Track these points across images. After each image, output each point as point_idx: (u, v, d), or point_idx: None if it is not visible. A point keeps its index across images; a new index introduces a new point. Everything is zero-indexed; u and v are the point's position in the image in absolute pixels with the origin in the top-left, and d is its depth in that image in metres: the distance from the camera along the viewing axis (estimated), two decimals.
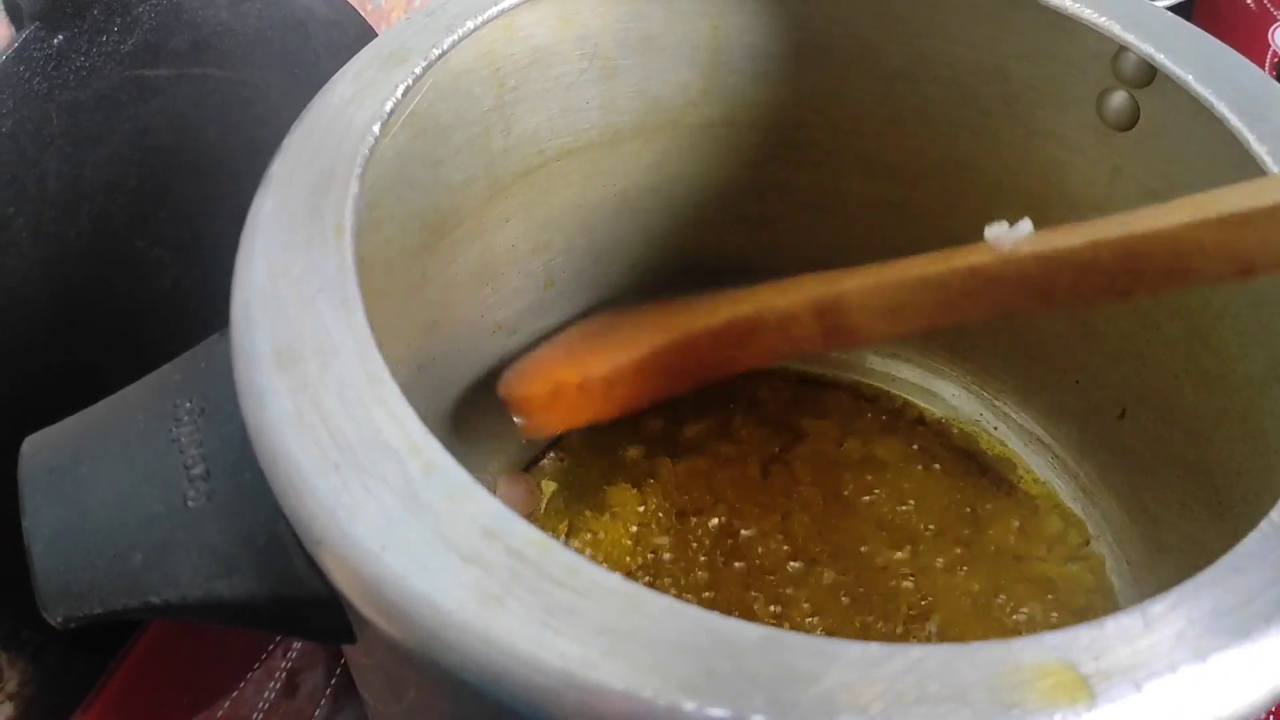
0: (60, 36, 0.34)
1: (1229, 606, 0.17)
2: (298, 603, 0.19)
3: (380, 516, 0.18)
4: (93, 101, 0.35)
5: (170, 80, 0.38)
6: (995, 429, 0.38)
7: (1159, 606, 0.17)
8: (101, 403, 0.22)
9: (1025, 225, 0.24)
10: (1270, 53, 0.59)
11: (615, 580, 0.17)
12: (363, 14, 0.54)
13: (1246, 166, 0.25)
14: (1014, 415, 0.38)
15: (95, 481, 0.20)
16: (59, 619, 0.19)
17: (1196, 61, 0.26)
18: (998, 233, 0.24)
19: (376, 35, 0.46)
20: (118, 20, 0.36)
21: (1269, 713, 0.17)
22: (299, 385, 0.19)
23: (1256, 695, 0.16)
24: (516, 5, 0.28)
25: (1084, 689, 0.16)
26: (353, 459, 0.19)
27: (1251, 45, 0.59)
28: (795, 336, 0.28)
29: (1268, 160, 0.24)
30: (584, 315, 0.39)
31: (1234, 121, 0.25)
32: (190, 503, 0.20)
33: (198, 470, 0.20)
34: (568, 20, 0.31)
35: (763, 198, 0.37)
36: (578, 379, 0.30)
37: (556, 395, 0.30)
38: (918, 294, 0.25)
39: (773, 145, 0.36)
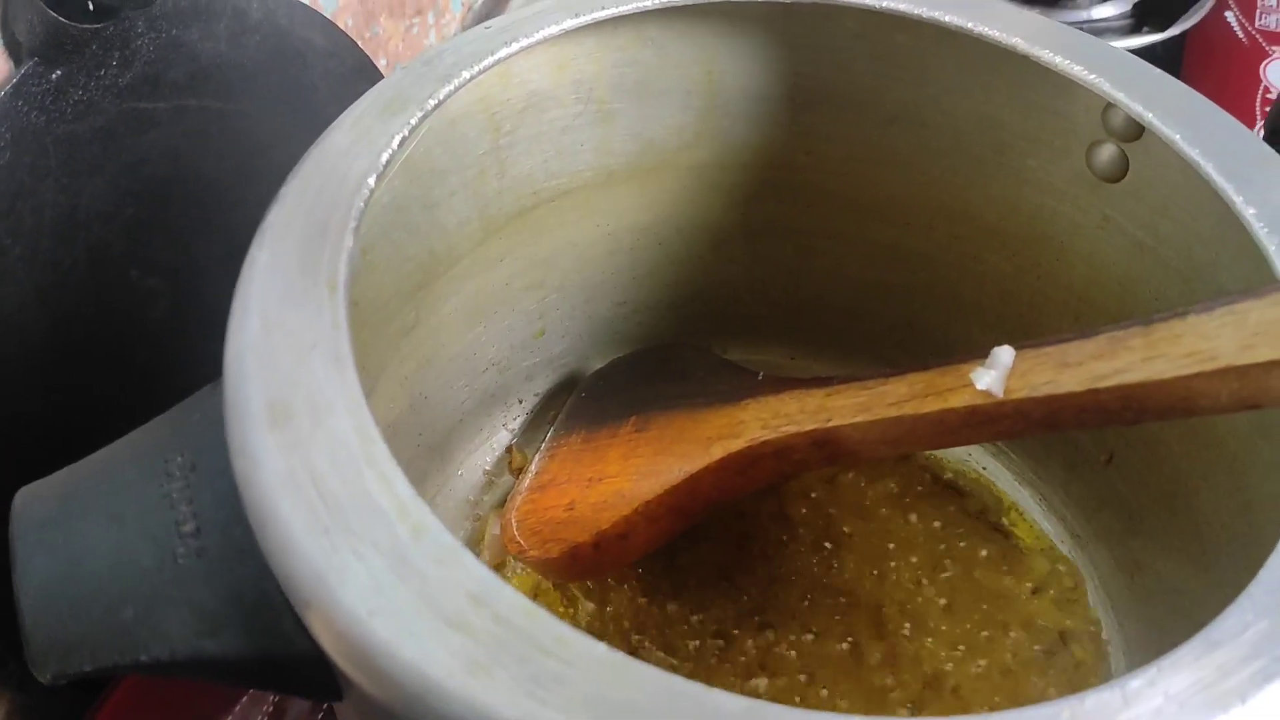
0: (59, 71, 0.34)
1: (1206, 682, 0.17)
2: (286, 661, 0.20)
3: (369, 581, 0.18)
4: (90, 134, 0.35)
5: (168, 112, 0.38)
6: (984, 469, 0.38)
7: (1137, 682, 0.17)
8: (93, 455, 0.22)
9: (1005, 356, 0.24)
10: (1262, 88, 0.60)
11: (602, 650, 0.17)
12: (360, 42, 0.55)
13: (1231, 225, 0.25)
14: (1004, 457, 0.38)
15: (86, 536, 0.20)
16: (48, 676, 0.19)
17: (1184, 120, 0.26)
18: (988, 381, 0.24)
19: (373, 64, 0.46)
20: (116, 54, 0.36)
21: None
22: (291, 444, 0.20)
23: None
24: (513, 53, 0.28)
25: None
26: (343, 521, 0.19)
27: (1243, 80, 0.60)
28: (795, 461, 0.29)
29: (1253, 221, 0.24)
30: (575, 353, 0.39)
31: (1220, 182, 0.25)
32: (180, 559, 0.20)
33: (188, 527, 0.20)
34: (563, 66, 0.31)
35: (755, 238, 0.37)
36: (592, 539, 0.31)
37: (574, 557, 0.31)
38: (916, 428, 0.26)
39: (765, 186, 0.36)
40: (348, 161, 0.24)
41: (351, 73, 0.46)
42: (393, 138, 0.25)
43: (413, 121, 0.26)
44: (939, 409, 0.25)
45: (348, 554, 0.18)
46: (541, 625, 0.18)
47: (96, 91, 0.35)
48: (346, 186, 0.24)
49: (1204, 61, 0.61)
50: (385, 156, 0.25)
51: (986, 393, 0.24)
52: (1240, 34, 0.61)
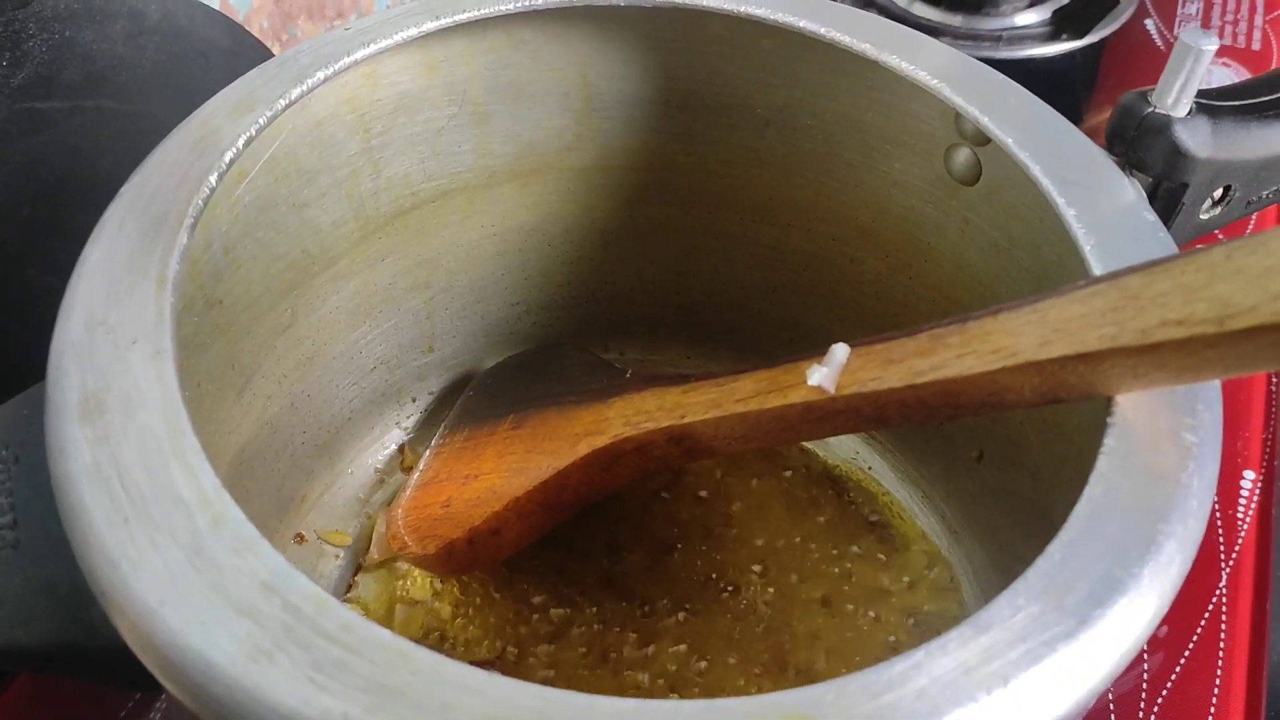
0: None
1: (970, 664, 0.18)
2: (98, 652, 0.20)
3: (163, 570, 0.18)
4: None
5: (63, 112, 0.39)
6: (870, 468, 0.39)
7: (903, 664, 0.18)
8: None
9: (839, 354, 0.25)
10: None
11: (387, 637, 0.18)
12: (278, 45, 0.55)
13: (1063, 228, 0.26)
14: (889, 455, 0.39)
15: None
16: None
17: (1019, 125, 0.27)
18: (819, 378, 0.25)
19: None
20: (7, 54, 0.36)
21: None
22: (101, 437, 0.20)
23: None
24: (373, 54, 0.29)
25: None
26: (144, 512, 0.19)
27: None
28: (655, 457, 0.30)
29: (1073, 222, 0.25)
30: (469, 353, 0.39)
31: (1046, 185, 0.25)
32: None
33: (4, 519, 0.20)
34: (433, 67, 0.31)
35: (643, 238, 0.38)
36: (466, 535, 0.31)
37: (450, 553, 0.32)
38: (760, 423, 0.26)
39: (649, 188, 0.37)
40: (190, 160, 0.25)
41: None
42: (239, 136, 0.25)
43: (261, 121, 0.26)
44: (779, 405, 0.26)
45: (145, 544, 0.19)
46: (329, 613, 0.18)
47: None
48: (186, 184, 0.24)
49: (1122, 69, 0.62)
50: (229, 155, 0.25)
51: (819, 388, 0.25)
52: (1159, 41, 0.62)
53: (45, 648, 0.20)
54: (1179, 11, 0.64)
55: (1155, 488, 0.20)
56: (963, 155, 0.30)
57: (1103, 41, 0.58)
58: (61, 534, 0.20)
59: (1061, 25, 0.60)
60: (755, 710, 0.17)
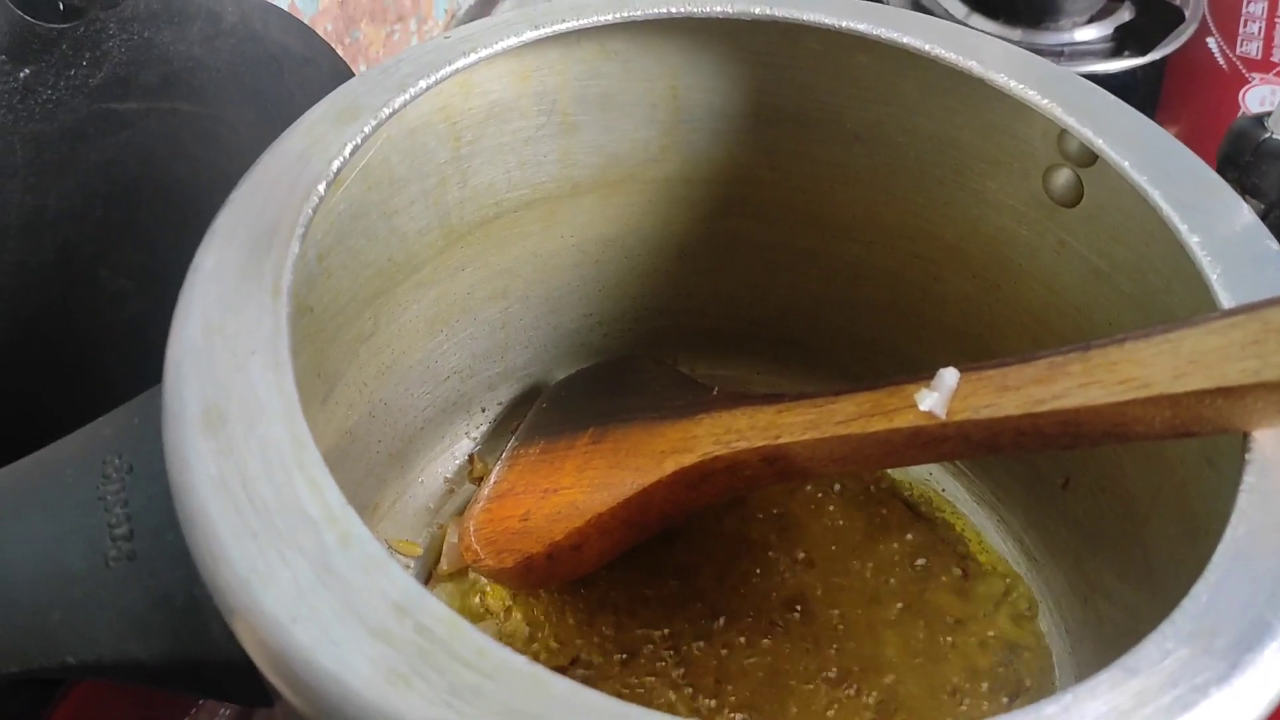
0: (27, 70, 0.34)
1: (1123, 709, 0.17)
2: (213, 667, 0.20)
3: (293, 587, 0.18)
4: (59, 133, 0.35)
5: (139, 114, 0.38)
6: (944, 490, 0.38)
7: (1053, 708, 0.17)
8: (33, 455, 0.22)
9: (949, 378, 0.24)
10: (1240, 115, 0.60)
11: (521, 662, 0.18)
12: (340, 48, 0.55)
13: (1181, 255, 0.25)
14: (964, 478, 0.38)
15: (18, 536, 0.20)
16: None
17: (1134, 147, 0.26)
18: (930, 403, 0.24)
19: (351, 70, 0.46)
20: (86, 55, 0.36)
21: None
22: (224, 449, 0.20)
23: None
24: (472, 63, 0.28)
25: None
26: (271, 526, 0.19)
27: (1223, 106, 0.60)
28: (746, 477, 0.29)
29: (1197, 250, 0.24)
30: (539, 364, 0.39)
31: (1167, 210, 0.25)
32: (112, 562, 0.20)
33: (121, 530, 0.20)
34: (525, 77, 0.31)
35: (719, 252, 0.37)
36: (546, 549, 0.31)
37: (528, 567, 0.31)
38: (862, 447, 0.26)
39: (730, 201, 0.36)
40: (298, 168, 0.25)
41: (328, 78, 0.46)
42: (345, 145, 0.25)
43: (366, 130, 0.26)
44: (885, 429, 0.26)
45: (274, 559, 0.18)
46: (462, 637, 0.18)
47: (66, 91, 0.35)
48: (296, 193, 0.24)
49: (1184, 87, 0.61)
50: (336, 164, 0.25)
51: (929, 414, 0.24)
52: (1221, 60, 0.61)
53: (162, 661, 0.19)
54: (1240, 30, 0.63)
55: None
56: (1064, 176, 0.30)
57: (1164, 59, 0.57)
58: (178, 547, 0.19)
59: (1123, 42, 0.59)
60: None
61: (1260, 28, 0.63)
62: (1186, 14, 0.59)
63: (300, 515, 0.19)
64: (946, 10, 0.59)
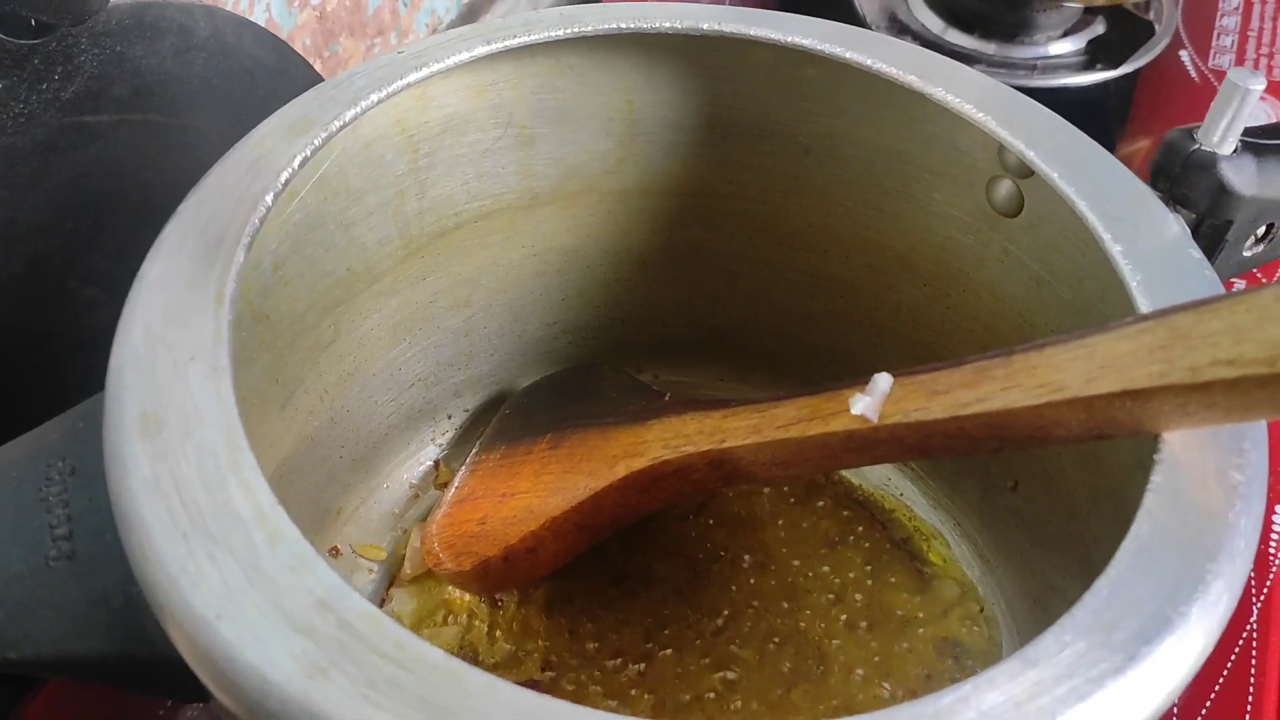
0: None
1: (1019, 699, 0.18)
2: (150, 663, 0.20)
3: (220, 585, 0.19)
4: (30, 147, 0.36)
5: (111, 126, 0.39)
6: (901, 495, 0.39)
7: (950, 697, 0.18)
8: None
9: (883, 383, 0.25)
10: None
11: (439, 656, 0.18)
12: (319, 62, 0.56)
13: (1107, 262, 0.26)
14: (921, 482, 0.39)
15: None
16: None
17: (1067, 160, 0.27)
18: (862, 407, 0.25)
19: None
20: (59, 69, 0.37)
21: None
22: (160, 453, 0.20)
23: None
24: (425, 77, 0.29)
25: None
26: (202, 527, 0.19)
27: (1195, 119, 0.60)
28: (694, 481, 0.30)
29: (1119, 259, 0.25)
30: (505, 372, 0.40)
31: (1092, 220, 0.26)
32: (52, 562, 0.20)
33: (61, 530, 0.21)
34: (481, 91, 0.32)
35: (680, 262, 0.38)
36: (502, 552, 0.32)
37: (485, 570, 0.32)
38: (802, 450, 0.27)
39: (689, 213, 0.37)
40: (247, 180, 0.25)
41: (301, 90, 0.47)
42: (294, 157, 0.26)
43: (316, 143, 0.26)
44: (821, 432, 0.26)
45: (203, 558, 0.19)
46: (382, 631, 0.18)
47: (38, 105, 0.36)
48: (244, 204, 0.25)
49: (1157, 100, 0.62)
50: (285, 175, 0.25)
51: (862, 418, 0.25)
52: (1193, 73, 0.62)
53: (99, 658, 0.20)
54: (1213, 44, 0.64)
55: (1203, 526, 0.20)
56: (1005, 187, 0.30)
57: (1136, 72, 0.58)
58: (117, 546, 0.20)
59: (1096, 55, 0.60)
60: None
61: (1233, 40, 0.64)
62: (1158, 28, 0.60)
63: (231, 516, 0.19)
64: (924, 25, 0.59)
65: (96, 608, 0.20)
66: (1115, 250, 0.25)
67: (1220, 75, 0.62)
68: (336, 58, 0.56)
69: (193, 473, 0.20)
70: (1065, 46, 0.60)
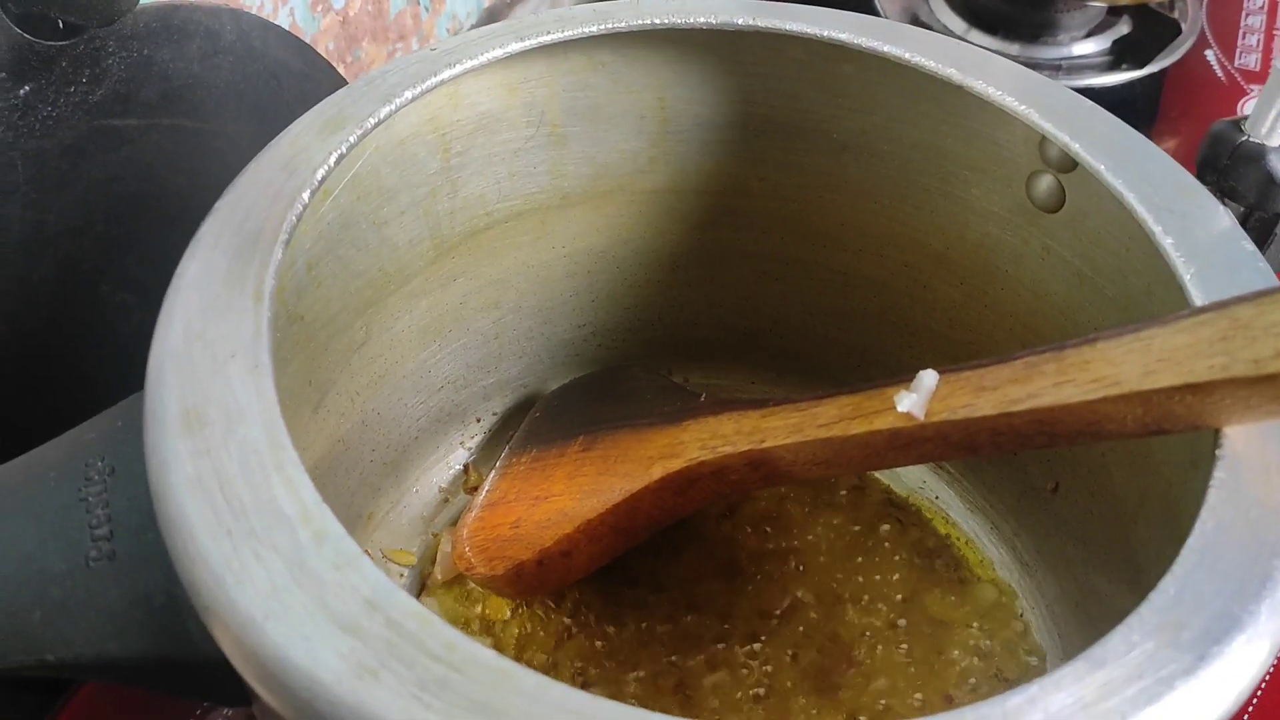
0: (27, 87, 0.34)
1: (1087, 701, 0.17)
2: (191, 665, 0.20)
3: (267, 584, 0.18)
4: (59, 150, 0.36)
5: (139, 130, 0.39)
6: (937, 498, 0.38)
7: (1018, 699, 0.17)
8: (18, 459, 0.23)
9: (928, 380, 0.25)
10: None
11: (490, 656, 0.18)
12: (342, 67, 0.56)
13: (1156, 256, 0.25)
14: (957, 485, 0.38)
15: (1, 538, 0.21)
16: None
17: (1112, 152, 0.27)
18: (909, 404, 0.24)
19: None
20: (86, 72, 0.37)
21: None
22: (202, 450, 0.20)
23: None
24: (458, 74, 0.29)
25: None
26: (246, 525, 0.19)
27: (1220, 117, 0.60)
28: (732, 481, 0.29)
29: (1171, 252, 0.24)
30: (533, 374, 0.39)
31: (1142, 213, 0.25)
32: (92, 562, 0.20)
33: (102, 530, 0.20)
34: (514, 89, 0.31)
35: (711, 262, 0.38)
36: (536, 556, 0.31)
37: (519, 574, 0.32)
38: (844, 449, 0.26)
39: (721, 212, 0.36)
40: (283, 177, 0.25)
41: (327, 94, 0.46)
42: (330, 154, 0.26)
43: (351, 140, 0.26)
44: (865, 431, 0.26)
45: (249, 557, 0.19)
46: (432, 631, 0.18)
47: (66, 108, 0.36)
48: (280, 201, 0.24)
49: (1183, 99, 0.61)
50: (321, 173, 0.25)
51: (908, 415, 0.25)
52: (1219, 72, 0.61)
53: (139, 660, 0.20)
54: (1239, 43, 0.63)
55: (1268, 522, 0.20)
56: (1046, 182, 0.30)
57: (1163, 72, 0.58)
58: (158, 546, 0.20)
59: (1121, 55, 0.59)
60: None
61: (1259, 40, 0.63)
62: (1184, 27, 0.59)
63: (276, 514, 0.19)
64: (946, 26, 0.59)
65: (137, 608, 0.20)
66: (1166, 243, 0.24)
67: (1246, 74, 0.62)
68: (359, 63, 0.56)
69: (235, 470, 0.20)
70: (1090, 47, 0.60)
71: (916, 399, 0.25)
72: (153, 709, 0.36)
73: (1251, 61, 0.62)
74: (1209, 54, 0.62)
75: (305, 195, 0.25)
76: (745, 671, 0.33)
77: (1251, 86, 0.61)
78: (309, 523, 0.19)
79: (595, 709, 0.17)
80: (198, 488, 0.19)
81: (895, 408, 0.25)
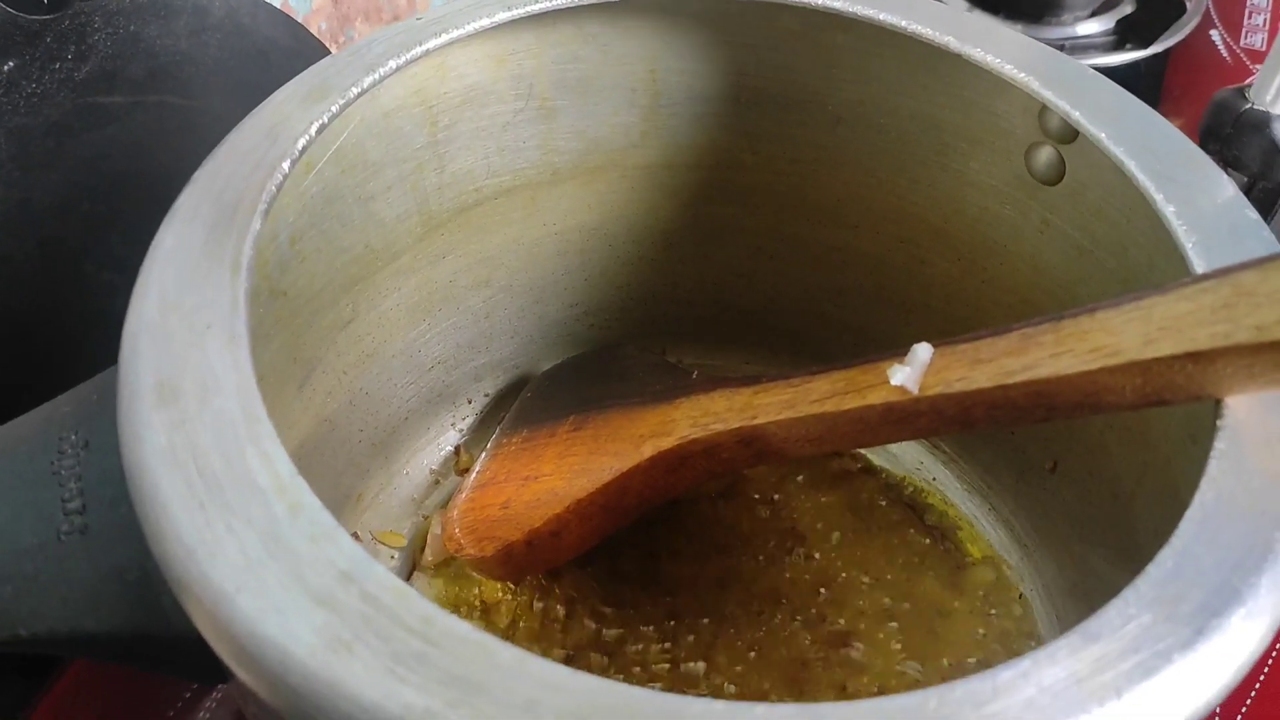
0: (10, 63, 0.34)
1: (1081, 675, 0.17)
2: (166, 641, 0.19)
3: (240, 557, 0.18)
4: (43, 128, 0.35)
5: (126, 107, 0.39)
6: (934, 479, 0.38)
7: (1009, 673, 0.17)
8: None
9: (922, 353, 0.24)
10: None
11: (467, 629, 0.17)
12: (335, 47, 0.55)
13: (1158, 227, 0.25)
14: (954, 466, 0.38)
15: None
16: None
17: (1114, 121, 0.26)
18: (902, 378, 0.24)
19: None
20: (72, 48, 0.36)
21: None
22: (176, 422, 0.19)
23: None
24: (444, 44, 0.28)
25: None
26: (220, 498, 0.19)
27: None
28: (723, 459, 0.29)
29: (1172, 219, 0.24)
30: (525, 355, 0.39)
31: (1143, 181, 0.25)
32: (64, 536, 0.20)
33: (74, 504, 0.20)
34: (502, 60, 0.31)
35: (704, 239, 0.37)
36: (525, 537, 0.31)
37: (508, 555, 0.31)
38: (837, 425, 0.26)
39: (714, 188, 0.36)
40: (263, 147, 0.24)
41: None
42: (311, 124, 0.25)
43: (334, 109, 0.26)
44: (859, 406, 0.25)
45: (221, 529, 0.18)
46: (408, 604, 0.17)
47: (51, 85, 0.35)
48: (260, 171, 0.24)
49: (1187, 80, 0.61)
50: (302, 142, 0.25)
51: (902, 389, 0.24)
52: (1224, 52, 0.61)
53: (113, 635, 0.19)
54: (1244, 22, 0.63)
55: (1270, 493, 0.19)
56: (1045, 154, 0.29)
57: (1167, 52, 0.57)
58: (131, 521, 0.19)
59: (1125, 35, 0.59)
60: (851, 716, 0.16)
61: (1265, 19, 0.62)
62: (1189, 6, 0.59)
63: (250, 486, 0.19)
64: (947, 5, 0.58)
65: (110, 583, 0.19)
66: (1168, 211, 0.24)
67: (1252, 54, 0.61)
68: (352, 43, 0.55)
69: (210, 442, 0.19)
70: (1094, 26, 0.59)
71: (910, 372, 0.24)
72: (137, 694, 0.36)
73: (1257, 41, 0.61)
74: (1214, 34, 0.61)
75: (285, 165, 0.24)
76: (737, 652, 0.33)
77: (1256, 66, 0.60)
78: (284, 495, 0.19)
79: (574, 682, 0.17)
80: (171, 460, 0.19)
81: (889, 381, 0.24)
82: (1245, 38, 0.61)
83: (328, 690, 0.17)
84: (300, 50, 0.45)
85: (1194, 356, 0.20)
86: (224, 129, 0.42)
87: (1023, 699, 0.16)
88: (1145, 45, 0.56)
